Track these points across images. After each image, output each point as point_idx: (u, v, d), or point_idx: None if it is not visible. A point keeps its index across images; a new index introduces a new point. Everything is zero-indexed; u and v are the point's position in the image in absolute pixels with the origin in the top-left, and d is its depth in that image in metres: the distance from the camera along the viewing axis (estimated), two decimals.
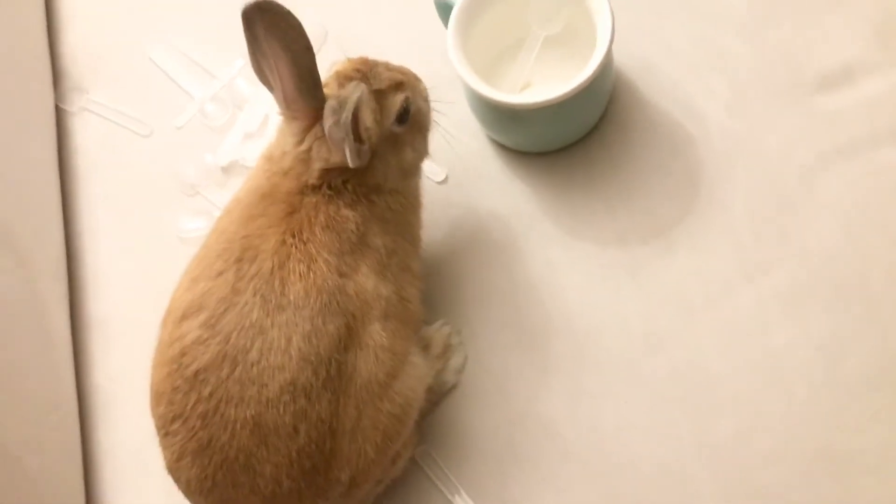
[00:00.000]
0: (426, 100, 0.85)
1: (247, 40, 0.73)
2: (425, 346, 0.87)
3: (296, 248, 0.73)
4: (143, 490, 0.91)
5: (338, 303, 0.72)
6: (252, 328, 0.69)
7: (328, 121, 0.72)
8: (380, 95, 0.78)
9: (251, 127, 1.01)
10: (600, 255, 0.90)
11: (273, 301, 0.70)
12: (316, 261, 0.72)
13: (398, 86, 0.80)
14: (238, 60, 1.04)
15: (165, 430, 0.72)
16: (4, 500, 0.80)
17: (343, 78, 0.78)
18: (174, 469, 0.73)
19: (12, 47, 1.04)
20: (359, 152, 0.75)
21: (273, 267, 0.71)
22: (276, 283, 0.71)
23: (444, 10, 0.89)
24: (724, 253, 0.87)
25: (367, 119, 0.76)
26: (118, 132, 1.06)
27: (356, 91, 0.74)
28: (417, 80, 0.84)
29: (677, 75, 0.94)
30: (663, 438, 0.83)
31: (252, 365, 0.69)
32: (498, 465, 0.85)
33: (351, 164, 0.74)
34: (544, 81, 0.93)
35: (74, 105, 1.07)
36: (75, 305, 1.00)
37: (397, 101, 0.79)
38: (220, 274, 0.72)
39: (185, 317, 0.72)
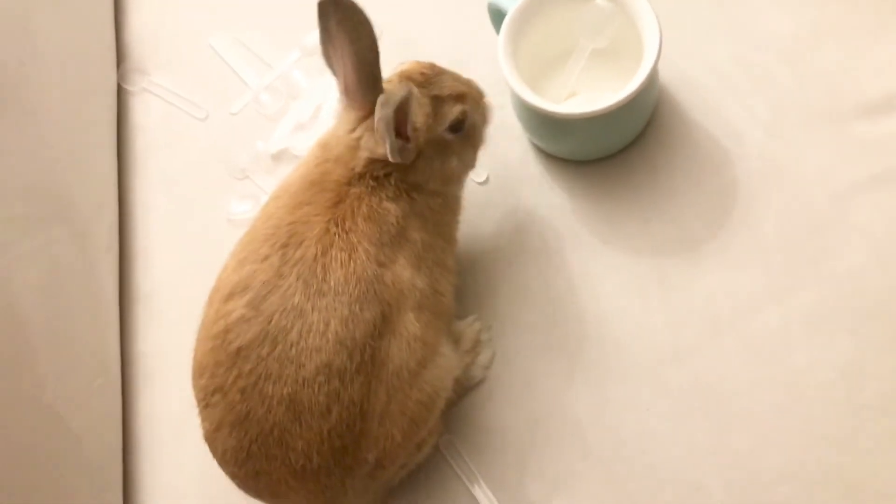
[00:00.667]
0: (485, 116, 0.88)
1: (319, 30, 0.78)
2: (456, 340, 0.90)
3: (339, 236, 0.76)
4: (178, 456, 0.96)
5: (375, 291, 0.75)
6: (293, 311, 0.73)
7: (378, 113, 0.75)
8: (437, 101, 0.82)
9: (303, 117, 1.05)
10: (632, 265, 0.92)
11: (314, 286, 0.74)
12: (357, 250, 0.76)
13: (459, 97, 0.84)
14: (294, 52, 1.08)
15: (206, 402, 0.76)
16: (48, 454, 0.84)
17: (405, 78, 0.82)
18: (211, 439, 0.77)
19: (80, 27, 1.09)
20: (402, 150, 0.78)
21: (316, 254, 0.75)
22: (319, 269, 0.74)
23: (497, 18, 0.92)
24: (753, 271, 0.89)
25: (418, 120, 0.80)
26: (176, 114, 1.10)
27: (402, 91, 0.77)
28: (481, 95, 0.88)
29: (719, 94, 0.96)
30: (682, 447, 0.85)
31: (291, 345, 0.72)
32: (518, 460, 0.88)
33: (391, 159, 0.77)
34: (590, 92, 0.95)
35: (136, 85, 1.12)
36: (124, 278, 1.04)
37: (454, 111, 0.83)
38: (266, 258, 0.76)
39: (231, 296, 0.76)
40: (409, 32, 1.07)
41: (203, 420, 0.78)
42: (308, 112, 1.05)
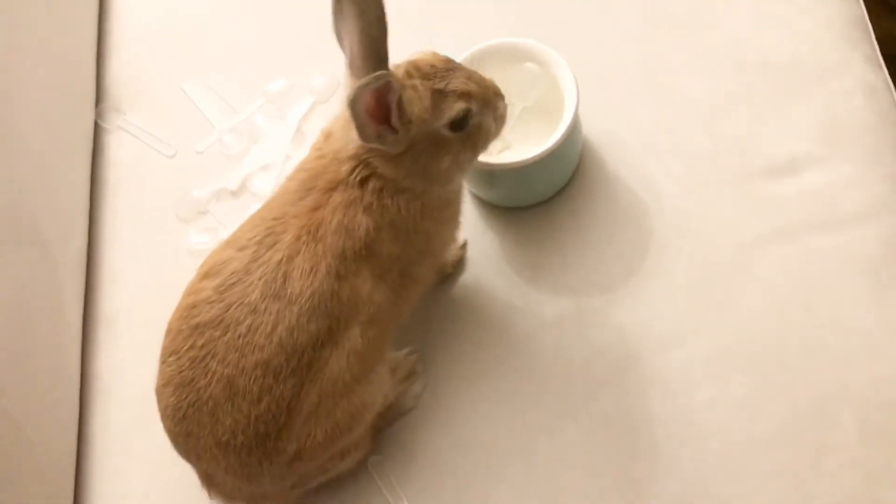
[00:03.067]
0: (496, 120, 0.87)
1: (332, 1, 0.80)
2: (393, 369, 0.98)
3: (307, 246, 0.82)
4: (128, 468, 1.02)
5: (326, 307, 0.81)
6: (249, 306, 0.81)
7: (349, 93, 0.74)
8: (439, 95, 0.82)
9: (264, 160, 1.14)
10: (553, 304, 1.00)
11: (272, 290, 0.81)
12: (320, 265, 0.81)
13: (464, 94, 0.83)
14: (259, 99, 1.17)
15: (163, 360, 0.84)
16: (4, 459, 0.91)
17: (413, 67, 0.83)
18: (159, 393, 0.85)
19: (64, 65, 1.17)
20: (380, 135, 0.79)
21: (282, 259, 0.81)
22: (280, 275, 0.81)
23: None
24: (662, 314, 0.98)
25: (413, 112, 0.81)
26: (146, 151, 1.18)
27: (381, 78, 0.75)
28: (497, 97, 0.87)
29: (640, 152, 1.05)
30: (589, 474, 0.92)
31: (240, 336, 0.80)
32: (439, 482, 0.95)
33: (362, 140, 0.78)
34: (522, 145, 1.04)
35: (112, 123, 1.21)
36: (89, 301, 1.11)
37: (455, 108, 0.83)
38: (243, 249, 0.83)
39: (207, 275, 0.84)
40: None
41: (158, 375, 0.86)
42: (269, 155, 1.14)
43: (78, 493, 1.02)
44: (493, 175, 1.00)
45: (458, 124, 0.84)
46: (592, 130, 1.07)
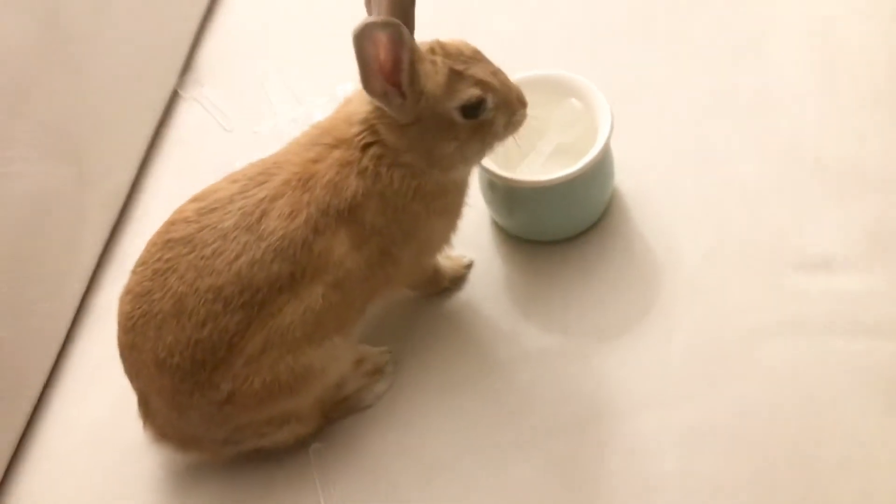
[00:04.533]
0: (513, 124, 0.86)
1: None
2: (359, 360, 0.95)
3: (294, 191, 0.82)
4: (89, 398, 1.02)
5: (294, 253, 0.81)
6: (220, 232, 0.81)
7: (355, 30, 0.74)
8: (455, 76, 0.81)
9: None
10: (540, 340, 0.96)
11: (247, 222, 0.81)
12: (301, 213, 0.82)
13: (481, 83, 0.82)
14: (324, 97, 1.22)
15: (133, 269, 0.85)
16: None
17: (438, 45, 0.82)
18: (120, 300, 0.86)
19: (165, 31, 1.28)
20: (387, 95, 0.78)
21: (265, 197, 0.82)
22: (259, 211, 0.82)
23: None
24: (649, 375, 0.91)
25: (426, 83, 0.80)
26: (209, 122, 1.24)
27: (384, 23, 0.74)
28: (519, 104, 0.86)
29: (671, 216, 1.02)
30: None
31: (203, 258, 0.81)
32: (373, 484, 0.90)
33: (363, 88, 0.78)
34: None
35: (189, 93, 1.28)
36: (111, 238, 1.15)
37: (469, 92, 0.81)
38: (235, 182, 0.85)
39: (195, 199, 0.86)
40: None
41: (127, 280, 0.86)
42: None
43: (37, 413, 1.03)
44: (513, 196, 0.98)
45: (471, 111, 0.82)
46: (628, 182, 1.04)
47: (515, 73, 0.99)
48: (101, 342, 1.06)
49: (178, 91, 1.29)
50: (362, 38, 0.75)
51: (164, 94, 1.27)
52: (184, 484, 0.93)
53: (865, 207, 0.99)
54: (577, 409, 0.91)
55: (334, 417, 0.94)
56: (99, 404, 1.01)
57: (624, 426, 0.89)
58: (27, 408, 1.01)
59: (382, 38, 0.75)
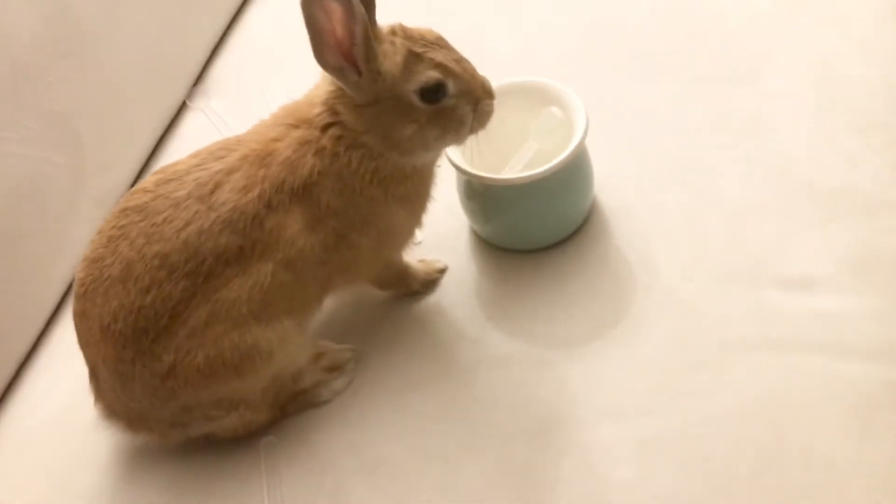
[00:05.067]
0: (476, 112, 0.85)
1: None
2: (318, 355, 0.94)
3: (250, 166, 0.83)
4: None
5: (244, 227, 0.81)
6: (172, 201, 0.82)
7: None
8: (413, 58, 0.81)
9: None
10: (506, 346, 0.94)
11: (199, 193, 0.82)
12: (254, 187, 0.82)
13: (440, 66, 0.81)
14: None
15: (92, 237, 0.86)
16: None
17: (401, 28, 0.83)
18: (78, 266, 0.86)
19: (181, 43, 1.33)
20: (342, 71, 0.79)
21: (220, 171, 0.83)
22: (212, 183, 0.82)
23: None
24: (612, 384, 0.88)
25: (384, 62, 0.80)
26: (211, 133, 1.27)
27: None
28: (485, 94, 0.85)
29: (650, 229, 0.99)
30: None
31: (154, 225, 0.81)
32: (319, 479, 0.88)
33: (315, 60, 0.78)
34: None
35: (196, 103, 1.32)
36: None
37: (426, 75, 0.81)
38: (196, 156, 0.86)
39: (156, 172, 0.87)
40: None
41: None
42: None
43: (8, 391, 1.04)
44: (489, 198, 0.98)
45: (430, 95, 0.82)
46: (609, 196, 1.03)
47: (502, 79, 1.01)
48: None
49: (187, 101, 1.33)
50: (311, 5, 0.76)
51: (173, 103, 1.31)
52: (133, 467, 0.93)
53: (853, 231, 0.95)
54: (534, 414, 0.88)
55: (290, 411, 0.92)
56: (64, 388, 1.01)
57: (581, 434, 0.85)
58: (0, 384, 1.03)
59: (335, 8, 0.76)
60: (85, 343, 0.85)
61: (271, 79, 1.32)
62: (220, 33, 1.41)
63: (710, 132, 1.08)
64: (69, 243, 1.11)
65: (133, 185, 1.22)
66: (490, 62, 1.16)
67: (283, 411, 0.92)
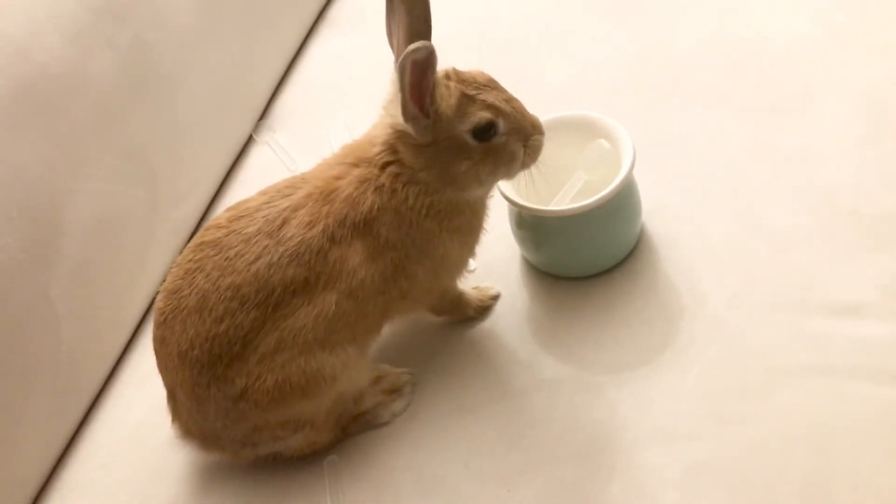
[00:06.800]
0: (526, 148, 0.90)
1: (385, 3, 0.88)
2: (378, 378, 0.99)
3: (315, 203, 0.89)
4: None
5: (309, 260, 0.87)
6: (244, 236, 0.88)
7: (397, 63, 0.81)
8: (466, 100, 0.86)
9: None
10: (555, 369, 0.97)
11: (269, 228, 0.88)
12: (319, 223, 0.88)
13: (491, 107, 0.87)
14: None
15: (170, 268, 0.93)
16: (34, 350, 1.02)
17: (454, 71, 0.88)
18: (160, 294, 0.93)
19: (248, 81, 1.41)
20: (416, 119, 0.85)
21: (287, 208, 0.89)
22: (281, 220, 0.88)
23: None
24: (660, 409, 0.91)
25: (441, 104, 0.86)
26: (276, 164, 1.34)
27: (418, 50, 0.79)
28: (534, 129, 0.90)
29: (698, 257, 1.02)
30: None
31: (227, 259, 0.87)
32: (379, 497, 0.92)
33: (402, 119, 0.84)
34: None
35: (262, 137, 1.39)
36: None
37: (479, 115, 0.86)
38: (265, 194, 0.93)
39: (229, 209, 0.93)
40: None
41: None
42: None
43: (92, 410, 1.12)
44: (539, 229, 1.02)
45: (482, 134, 0.87)
46: (657, 224, 1.06)
47: (551, 113, 1.05)
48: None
49: (253, 135, 1.40)
50: (404, 70, 0.81)
51: (241, 137, 1.39)
52: (205, 483, 0.99)
53: None
54: (585, 438, 0.91)
55: (351, 432, 0.97)
56: (143, 409, 1.08)
57: (630, 458, 0.88)
58: (83, 404, 1.10)
59: (419, 62, 0.81)
60: (164, 368, 0.92)
61: (332, 113, 1.39)
62: (283, 70, 1.49)
63: (756, 161, 1.10)
64: (147, 271, 1.19)
65: (205, 215, 1.31)
66: (540, 94, 1.21)
67: (345, 432, 0.97)
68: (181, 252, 0.92)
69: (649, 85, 1.24)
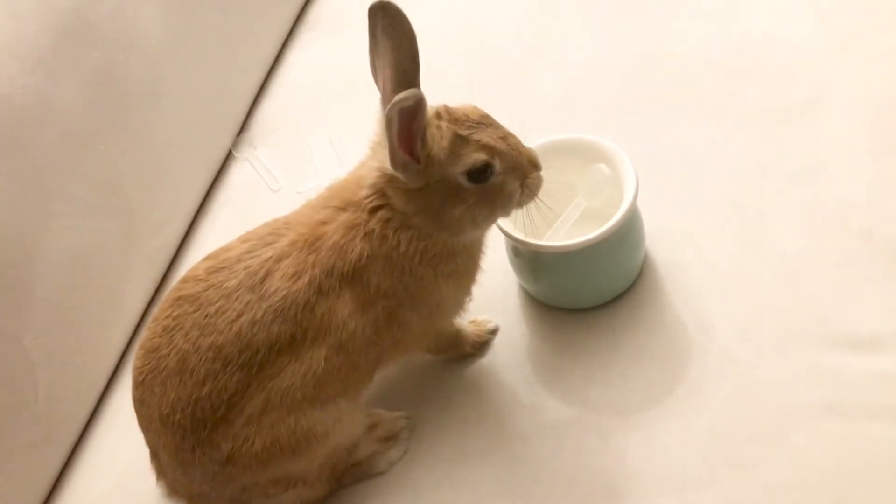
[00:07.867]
0: (524, 188, 0.85)
1: (369, 36, 0.81)
2: (373, 425, 0.94)
3: (299, 252, 0.83)
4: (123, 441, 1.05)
5: (295, 314, 0.81)
6: (224, 291, 0.82)
7: (385, 111, 0.75)
8: (460, 140, 0.81)
9: None
10: (559, 412, 0.93)
11: (250, 282, 0.82)
12: (304, 274, 0.82)
13: (486, 148, 0.81)
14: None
15: (147, 324, 0.88)
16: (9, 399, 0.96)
17: (445, 110, 0.82)
18: (135, 354, 0.88)
19: (225, 95, 1.34)
20: (405, 165, 0.80)
21: (270, 258, 0.83)
22: (263, 271, 0.82)
23: None
24: (670, 455, 0.87)
25: (432, 147, 0.80)
26: (258, 183, 1.28)
27: (407, 99, 0.75)
28: (531, 167, 0.85)
29: (705, 287, 0.97)
30: None
31: (207, 316, 0.82)
32: None
33: (390, 167, 0.79)
34: None
35: (241, 153, 1.33)
36: (154, 300, 1.18)
37: (473, 157, 0.81)
38: (245, 241, 0.86)
39: (208, 258, 0.87)
40: None
41: (140, 337, 0.89)
42: None
43: (71, 459, 1.06)
44: (537, 262, 0.97)
45: (477, 176, 0.82)
46: (661, 250, 1.01)
47: (548, 136, 0.99)
48: None
49: (233, 151, 1.33)
50: (392, 121, 0.76)
51: (219, 154, 1.32)
52: None
53: None
54: (593, 489, 0.87)
55: (346, 482, 0.93)
56: (126, 456, 1.03)
57: None
58: (63, 453, 1.05)
59: (406, 110, 0.76)
60: (145, 428, 0.87)
61: (315, 124, 1.33)
62: (261, 79, 1.42)
63: (763, 177, 1.05)
64: (124, 306, 1.13)
65: (183, 242, 1.25)
66: (534, 108, 1.15)
67: (339, 483, 0.92)
68: (159, 289, 0.86)
69: (647, 96, 1.18)
